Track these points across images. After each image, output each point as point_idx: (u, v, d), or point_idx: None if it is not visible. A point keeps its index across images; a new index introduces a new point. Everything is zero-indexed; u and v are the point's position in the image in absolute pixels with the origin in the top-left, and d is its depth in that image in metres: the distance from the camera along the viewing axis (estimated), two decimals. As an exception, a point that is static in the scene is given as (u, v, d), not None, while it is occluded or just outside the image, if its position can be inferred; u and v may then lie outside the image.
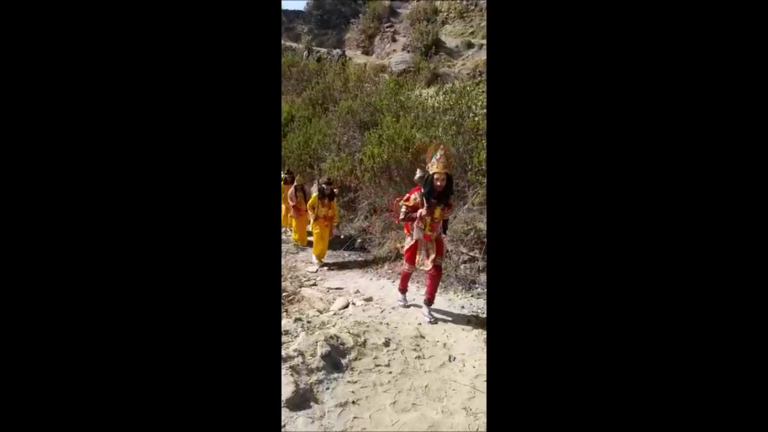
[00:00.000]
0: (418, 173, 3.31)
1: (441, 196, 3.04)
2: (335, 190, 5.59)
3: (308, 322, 3.11)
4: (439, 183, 2.98)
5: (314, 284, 4.66)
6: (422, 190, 3.07)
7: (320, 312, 3.69)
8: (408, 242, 3.31)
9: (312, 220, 5.31)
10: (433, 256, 3.18)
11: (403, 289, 3.53)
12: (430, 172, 3.03)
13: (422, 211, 3.03)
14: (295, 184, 6.13)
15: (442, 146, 3.08)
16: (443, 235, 3.34)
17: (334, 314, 3.52)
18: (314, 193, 5.38)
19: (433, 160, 3.02)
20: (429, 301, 3.20)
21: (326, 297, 4.20)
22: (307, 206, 5.39)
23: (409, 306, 3.47)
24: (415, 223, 3.14)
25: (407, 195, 3.23)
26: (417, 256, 3.27)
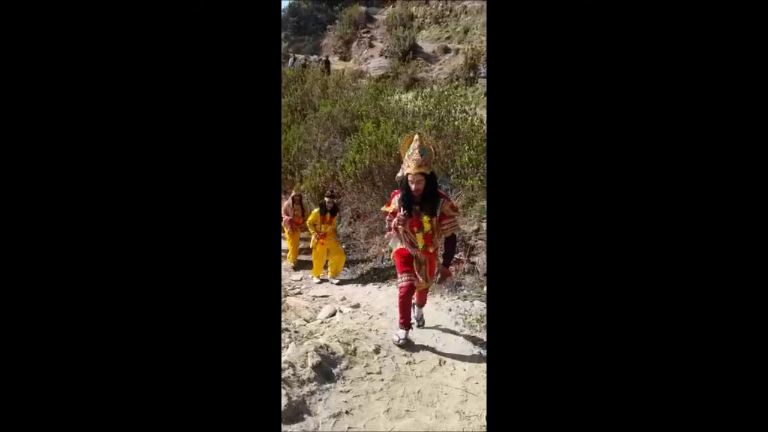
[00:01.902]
0: (400, 173, 2.77)
1: (423, 202, 2.45)
2: (336, 202, 5.08)
3: (296, 331, 3.06)
4: (414, 186, 2.39)
5: (299, 293, 4.60)
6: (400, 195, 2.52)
7: (307, 321, 3.64)
8: (397, 245, 2.72)
9: (314, 239, 4.87)
10: (422, 280, 2.70)
11: (405, 323, 2.72)
12: (404, 174, 2.45)
13: (396, 220, 2.52)
14: (292, 194, 5.47)
15: (416, 139, 2.40)
16: (450, 269, 2.75)
17: (322, 323, 3.47)
18: (315, 209, 4.95)
19: (406, 157, 2.43)
20: (418, 306, 3.18)
21: (312, 305, 4.15)
22: (307, 224, 4.90)
23: (402, 343, 2.71)
24: (396, 233, 2.59)
25: (390, 198, 2.69)
26: (413, 266, 2.66)
